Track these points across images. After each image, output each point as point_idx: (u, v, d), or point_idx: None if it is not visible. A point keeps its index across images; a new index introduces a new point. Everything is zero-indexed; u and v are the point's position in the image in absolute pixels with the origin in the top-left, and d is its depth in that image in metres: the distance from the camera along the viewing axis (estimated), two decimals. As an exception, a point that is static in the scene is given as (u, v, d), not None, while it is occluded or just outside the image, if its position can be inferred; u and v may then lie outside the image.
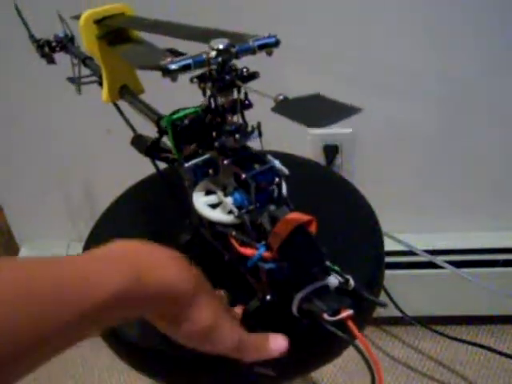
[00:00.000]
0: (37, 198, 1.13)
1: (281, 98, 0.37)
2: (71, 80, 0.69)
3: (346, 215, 0.63)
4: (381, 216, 0.62)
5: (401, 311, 1.10)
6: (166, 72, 0.40)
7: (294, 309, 0.42)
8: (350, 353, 0.44)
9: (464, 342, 1.13)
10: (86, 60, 0.67)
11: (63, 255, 1.13)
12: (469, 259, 1.06)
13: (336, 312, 0.41)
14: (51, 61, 0.71)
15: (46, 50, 0.70)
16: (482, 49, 0.90)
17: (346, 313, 0.40)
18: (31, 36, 0.71)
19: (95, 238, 0.65)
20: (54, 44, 0.70)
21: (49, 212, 1.15)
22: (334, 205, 0.65)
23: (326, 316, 0.40)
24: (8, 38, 0.91)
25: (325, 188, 0.69)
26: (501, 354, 1.11)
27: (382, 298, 0.82)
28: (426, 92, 0.94)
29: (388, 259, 0.60)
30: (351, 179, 0.69)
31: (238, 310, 0.48)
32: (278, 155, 0.48)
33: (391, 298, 1.08)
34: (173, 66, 0.40)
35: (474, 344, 1.13)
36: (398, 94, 0.95)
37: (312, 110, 0.34)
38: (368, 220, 0.62)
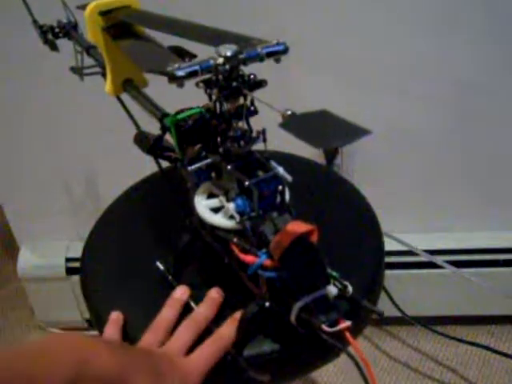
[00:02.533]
0: (37, 198, 1.13)
1: (288, 113, 0.36)
2: (74, 70, 0.67)
3: (345, 215, 0.63)
4: (381, 216, 0.63)
5: (401, 311, 1.10)
6: (173, 78, 0.40)
7: (293, 317, 0.42)
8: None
9: (464, 342, 1.13)
10: (89, 49, 0.65)
11: (63, 256, 1.14)
12: (469, 259, 1.06)
13: (334, 322, 0.40)
14: (54, 48, 0.69)
15: (50, 36, 0.68)
16: (484, 49, 0.89)
17: (344, 324, 0.40)
18: (34, 21, 0.69)
19: (95, 238, 0.65)
20: (57, 30, 0.68)
21: (49, 212, 1.15)
22: (333, 205, 0.65)
23: (324, 327, 0.40)
24: (7, 36, 0.91)
25: (325, 188, 0.69)
26: (501, 353, 1.11)
27: (382, 298, 0.81)
28: (426, 92, 0.94)
29: (388, 259, 0.60)
30: (351, 179, 0.69)
31: (237, 315, 0.48)
32: (278, 155, 0.48)
33: (391, 298, 1.08)
34: (180, 73, 0.40)
35: (474, 344, 1.13)
36: (399, 94, 0.94)
37: (319, 129, 0.34)
38: (368, 220, 0.62)
